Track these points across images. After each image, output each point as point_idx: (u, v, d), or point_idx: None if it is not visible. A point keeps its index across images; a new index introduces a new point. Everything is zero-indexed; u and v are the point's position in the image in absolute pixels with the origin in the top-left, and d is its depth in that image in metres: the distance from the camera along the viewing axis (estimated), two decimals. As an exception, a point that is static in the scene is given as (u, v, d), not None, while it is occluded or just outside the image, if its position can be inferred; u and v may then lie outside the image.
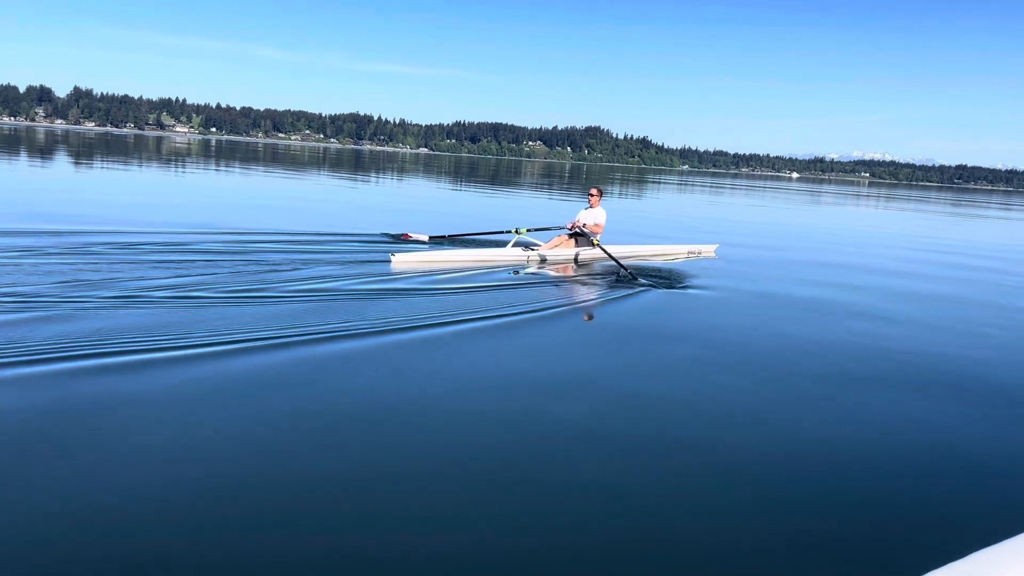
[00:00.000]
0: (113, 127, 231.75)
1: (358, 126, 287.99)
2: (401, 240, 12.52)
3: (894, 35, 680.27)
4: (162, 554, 3.13)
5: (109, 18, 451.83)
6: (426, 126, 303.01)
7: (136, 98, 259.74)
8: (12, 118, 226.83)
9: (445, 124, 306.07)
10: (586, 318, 8.39)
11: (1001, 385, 6.39)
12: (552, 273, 11.00)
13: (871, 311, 9.42)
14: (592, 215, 12.44)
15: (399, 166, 68.30)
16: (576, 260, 12.05)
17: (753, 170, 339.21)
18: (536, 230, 12.20)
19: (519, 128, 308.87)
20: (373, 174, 45.89)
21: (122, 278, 7.80)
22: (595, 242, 11.88)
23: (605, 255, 11.60)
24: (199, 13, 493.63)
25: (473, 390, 5.42)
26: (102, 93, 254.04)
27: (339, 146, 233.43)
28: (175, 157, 50.54)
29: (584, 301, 9.33)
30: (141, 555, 3.11)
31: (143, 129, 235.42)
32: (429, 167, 69.71)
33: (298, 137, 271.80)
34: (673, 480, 4.15)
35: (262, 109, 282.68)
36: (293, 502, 3.62)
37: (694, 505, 3.88)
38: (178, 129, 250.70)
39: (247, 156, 63.55)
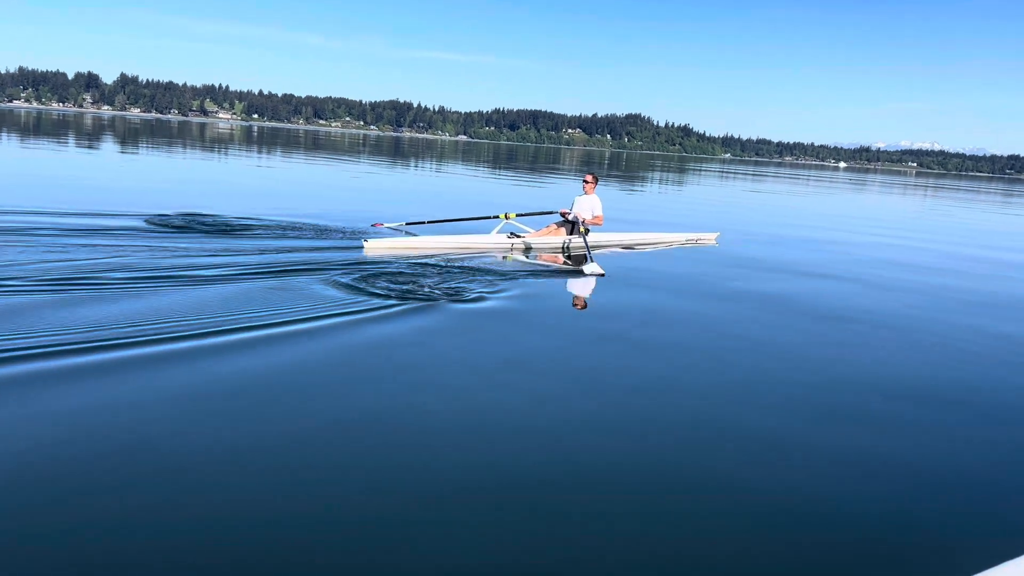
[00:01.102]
0: (158, 113, 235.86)
1: (398, 113, 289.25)
2: (372, 228, 11.45)
3: (944, 21, 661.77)
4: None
5: (156, 5, 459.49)
6: (465, 113, 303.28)
7: (180, 85, 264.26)
8: (61, 104, 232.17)
9: (484, 111, 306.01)
10: (573, 306, 7.96)
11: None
12: (539, 263, 10.24)
13: (862, 312, 8.42)
14: (589, 203, 11.73)
15: (437, 153, 68.23)
16: (565, 250, 11.25)
17: (797, 159, 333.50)
18: (525, 215, 11.48)
19: (558, 115, 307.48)
20: (411, 161, 45.84)
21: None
22: (581, 229, 11.15)
23: (586, 244, 10.70)
24: (244, 0, 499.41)
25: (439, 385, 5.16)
26: (147, 79, 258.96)
27: (378, 133, 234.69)
28: (221, 144, 51.03)
29: (558, 292, 8.76)
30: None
31: (187, 115, 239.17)
32: (467, 154, 69.54)
33: (338, 124, 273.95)
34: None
35: (303, 96, 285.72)
36: (268, 496, 3.43)
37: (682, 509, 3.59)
38: (221, 115, 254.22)
39: (288, 143, 64.01)
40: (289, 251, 9.17)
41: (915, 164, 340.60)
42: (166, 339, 5.38)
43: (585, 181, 12.07)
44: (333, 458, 3.90)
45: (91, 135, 47.10)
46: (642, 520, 3.51)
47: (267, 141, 63.43)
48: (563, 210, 11.71)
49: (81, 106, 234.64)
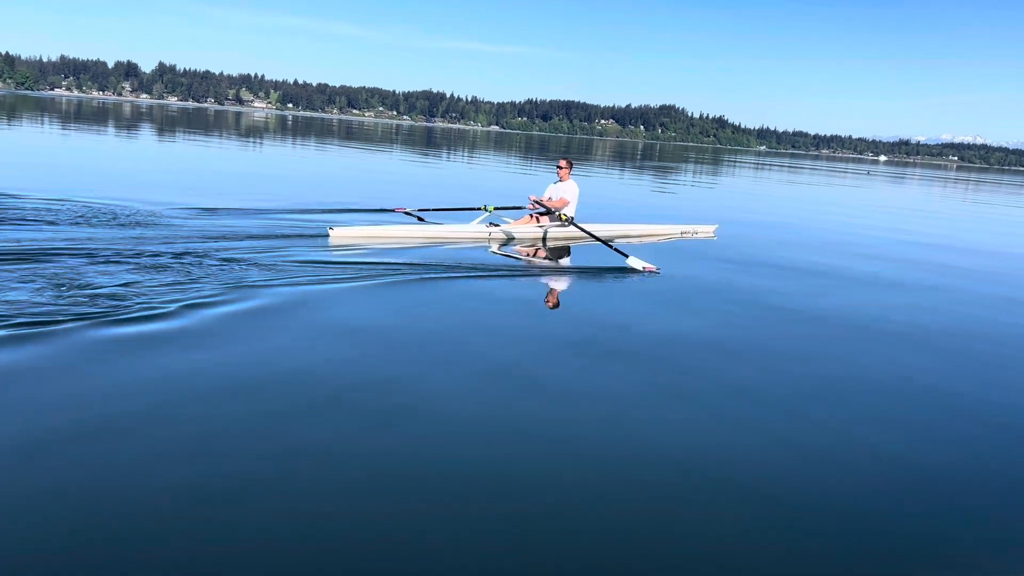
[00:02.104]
0: (194, 101, 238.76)
1: (430, 103, 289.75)
2: (389, 212, 11.60)
3: (988, 13, 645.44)
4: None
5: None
6: (498, 104, 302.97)
7: (217, 74, 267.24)
8: (101, 92, 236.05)
9: (517, 102, 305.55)
10: (549, 303, 7.56)
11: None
12: (516, 254, 9.87)
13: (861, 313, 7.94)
14: (560, 189, 11.16)
15: (468, 143, 68.19)
16: (544, 240, 10.78)
17: (834, 152, 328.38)
18: (504, 208, 11.17)
19: (591, 106, 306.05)
20: (444, 152, 45.86)
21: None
22: (564, 218, 10.57)
23: (584, 234, 10.34)
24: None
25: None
26: (185, 68, 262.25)
27: (411, 123, 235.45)
28: (257, 132, 51.46)
29: (534, 281, 8.53)
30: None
31: (223, 104, 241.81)
32: (498, 144, 69.41)
33: (371, 114, 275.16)
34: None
35: (337, 86, 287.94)
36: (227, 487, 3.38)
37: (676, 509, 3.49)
38: (256, 104, 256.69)
39: (322, 132, 64.40)
40: (250, 237, 8.92)
41: (956, 158, 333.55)
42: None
43: (559, 167, 11.34)
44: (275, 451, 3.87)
45: (130, 123, 47.75)
46: (635, 528, 3.44)
47: (301, 131, 63.84)
48: (532, 196, 11.13)
49: (120, 94, 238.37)
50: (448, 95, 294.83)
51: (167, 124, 51.82)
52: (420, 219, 11.24)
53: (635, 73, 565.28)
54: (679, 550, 3.25)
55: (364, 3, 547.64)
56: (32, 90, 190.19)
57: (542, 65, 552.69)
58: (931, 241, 15.59)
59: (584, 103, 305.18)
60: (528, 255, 9.94)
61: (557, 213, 10.71)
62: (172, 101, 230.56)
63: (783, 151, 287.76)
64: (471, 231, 10.61)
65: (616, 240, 10.85)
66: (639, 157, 65.65)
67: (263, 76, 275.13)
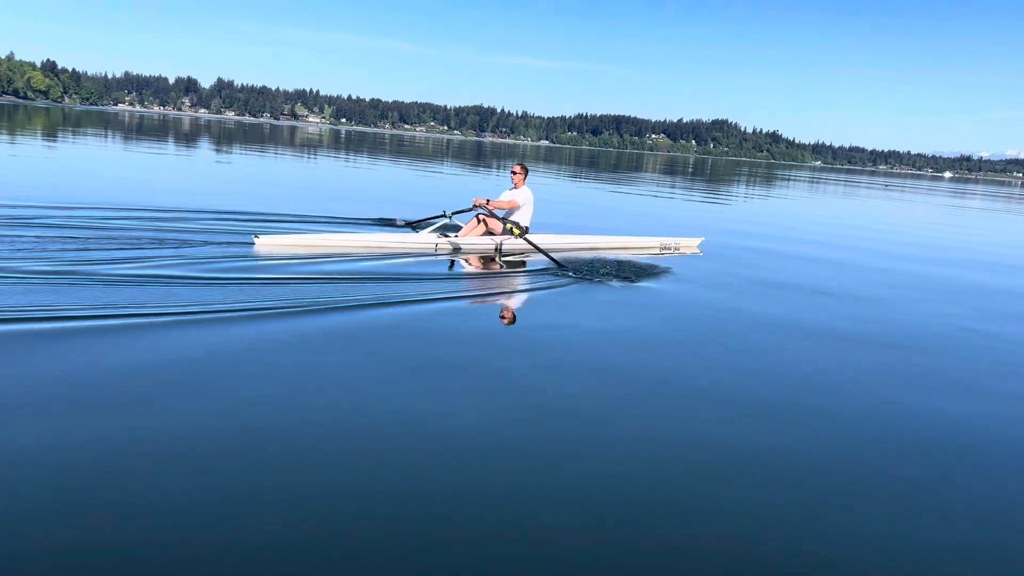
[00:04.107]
0: (251, 116, 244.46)
1: (481, 118, 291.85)
2: (388, 224, 11.30)
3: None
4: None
5: (253, 13, 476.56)
6: (548, 118, 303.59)
7: (273, 89, 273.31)
8: (161, 107, 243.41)
9: (567, 116, 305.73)
10: (504, 315, 7.12)
11: None
12: (466, 265, 9.31)
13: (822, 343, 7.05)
14: (512, 195, 10.55)
15: (518, 158, 68.16)
16: (498, 251, 9.93)
17: (892, 168, 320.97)
18: (462, 212, 10.52)
19: (642, 120, 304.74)
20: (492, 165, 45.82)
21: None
22: (516, 232, 9.84)
23: (530, 246, 9.76)
24: (335, 7, 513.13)
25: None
26: (242, 84, 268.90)
27: (462, 138, 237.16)
28: (310, 146, 52.23)
29: (476, 295, 7.84)
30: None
31: (278, 119, 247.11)
32: (547, 159, 69.26)
33: (423, 129, 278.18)
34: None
35: (390, 101, 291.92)
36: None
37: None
38: (311, 119, 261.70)
39: (374, 146, 65.06)
40: (168, 245, 8.47)
41: (1021, 175, 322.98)
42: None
43: (513, 172, 10.63)
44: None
45: (188, 137, 48.87)
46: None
47: (353, 145, 64.58)
48: (477, 199, 10.24)
49: (180, 109, 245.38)
50: (499, 110, 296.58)
51: (225, 138, 52.88)
52: (414, 229, 10.82)
53: (688, 88, 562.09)
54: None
55: (418, 20, 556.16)
56: (96, 105, 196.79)
57: (593, 80, 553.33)
58: None
59: (635, 117, 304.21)
60: (479, 267, 9.33)
61: (509, 226, 10.02)
62: (229, 116, 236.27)
63: (839, 166, 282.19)
64: (416, 241, 9.86)
65: (583, 251, 10.45)
66: (690, 172, 64.81)
67: (317, 91, 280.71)
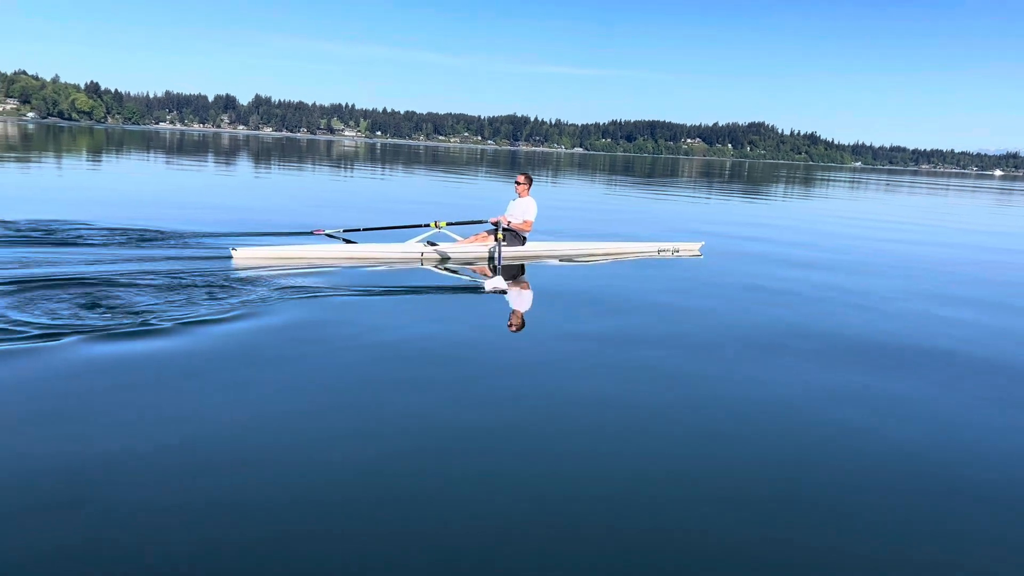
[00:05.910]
0: (288, 132, 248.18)
1: (514, 127, 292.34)
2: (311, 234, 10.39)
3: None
4: None
5: (288, 28, 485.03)
6: (582, 126, 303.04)
7: (310, 104, 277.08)
8: (201, 124, 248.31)
9: (601, 123, 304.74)
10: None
11: None
12: (460, 276, 9.24)
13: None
14: (521, 207, 10.42)
15: (552, 166, 68.07)
16: (492, 261, 9.81)
17: (934, 167, 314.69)
18: (458, 223, 10.24)
19: (677, 125, 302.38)
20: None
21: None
22: (499, 236, 9.72)
23: (518, 253, 9.95)
24: (369, 21, 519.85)
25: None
26: (279, 100, 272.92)
27: (495, 147, 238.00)
28: (345, 160, 52.75)
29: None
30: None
31: (315, 133, 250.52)
32: (583, 165, 69.04)
33: (457, 139, 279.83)
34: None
35: (424, 113, 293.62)
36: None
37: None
38: (346, 133, 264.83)
39: (409, 159, 65.50)
40: (151, 260, 8.46)
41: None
42: None
43: (517, 183, 10.61)
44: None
45: (228, 153, 49.65)
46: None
47: (389, 158, 65.12)
48: (494, 218, 10.26)
49: (219, 126, 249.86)
50: (532, 119, 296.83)
51: (263, 153, 53.67)
52: (348, 241, 10.11)
53: (723, 91, 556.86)
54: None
55: (449, 32, 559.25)
56: (138, 124, 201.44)
57: (627, 86, 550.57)
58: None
59: (669, 122, 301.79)
60: (477, 272, 9.36)
61: (498, 230, 9.93)
62: (267, 132, 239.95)
63: (880, 167, 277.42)
64: (401, 251, 9.68)
65: (582, 257, 10.65)
66: (727, 176, 64.07)
67: (353, 105, 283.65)
